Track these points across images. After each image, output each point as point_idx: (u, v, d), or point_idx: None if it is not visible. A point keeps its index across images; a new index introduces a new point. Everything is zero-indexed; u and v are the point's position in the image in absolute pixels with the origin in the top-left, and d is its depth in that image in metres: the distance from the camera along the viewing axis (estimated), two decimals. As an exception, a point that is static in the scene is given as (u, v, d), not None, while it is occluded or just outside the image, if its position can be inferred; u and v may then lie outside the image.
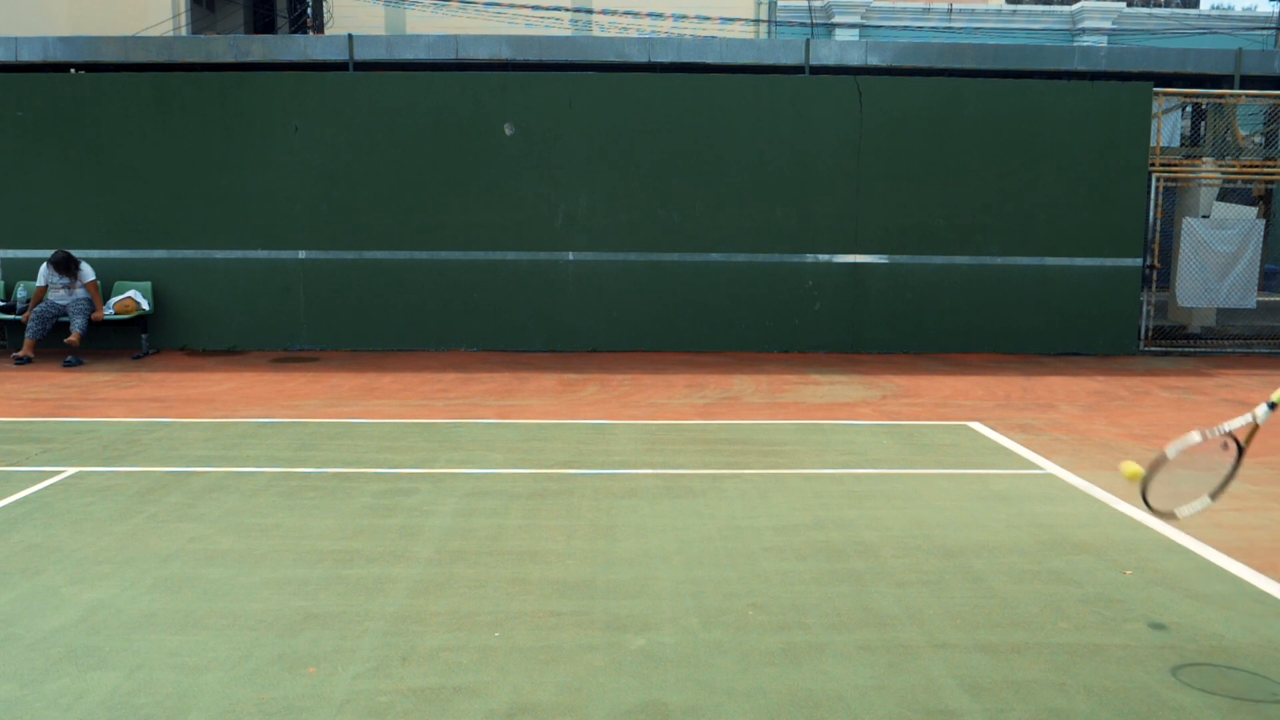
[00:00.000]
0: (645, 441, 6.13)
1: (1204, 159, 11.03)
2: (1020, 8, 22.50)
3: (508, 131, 9.99)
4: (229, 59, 10.67)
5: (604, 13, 22.44)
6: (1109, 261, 10.28)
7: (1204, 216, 10.94)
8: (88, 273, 9.50)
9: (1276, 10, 22.70)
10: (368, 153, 10.03)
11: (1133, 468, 3.10)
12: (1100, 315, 10.34)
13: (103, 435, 6.18)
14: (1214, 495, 3.17)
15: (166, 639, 3.18)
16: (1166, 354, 10.56)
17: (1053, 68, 11.00)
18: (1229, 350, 10.78)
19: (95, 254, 9.97)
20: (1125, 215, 10.24)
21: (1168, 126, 12.68)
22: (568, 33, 21.96)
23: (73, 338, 9.22)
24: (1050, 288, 10.31)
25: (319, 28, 23.24)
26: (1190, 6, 24.76)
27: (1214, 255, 10.38)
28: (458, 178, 10.05)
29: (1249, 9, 29.35)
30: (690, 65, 10.87)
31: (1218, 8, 26.19)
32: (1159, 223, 10.54)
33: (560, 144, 10.04)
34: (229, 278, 10.17)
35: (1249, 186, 11.98)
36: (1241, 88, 10.90)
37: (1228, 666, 3.04)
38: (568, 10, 22.43)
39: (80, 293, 9.47)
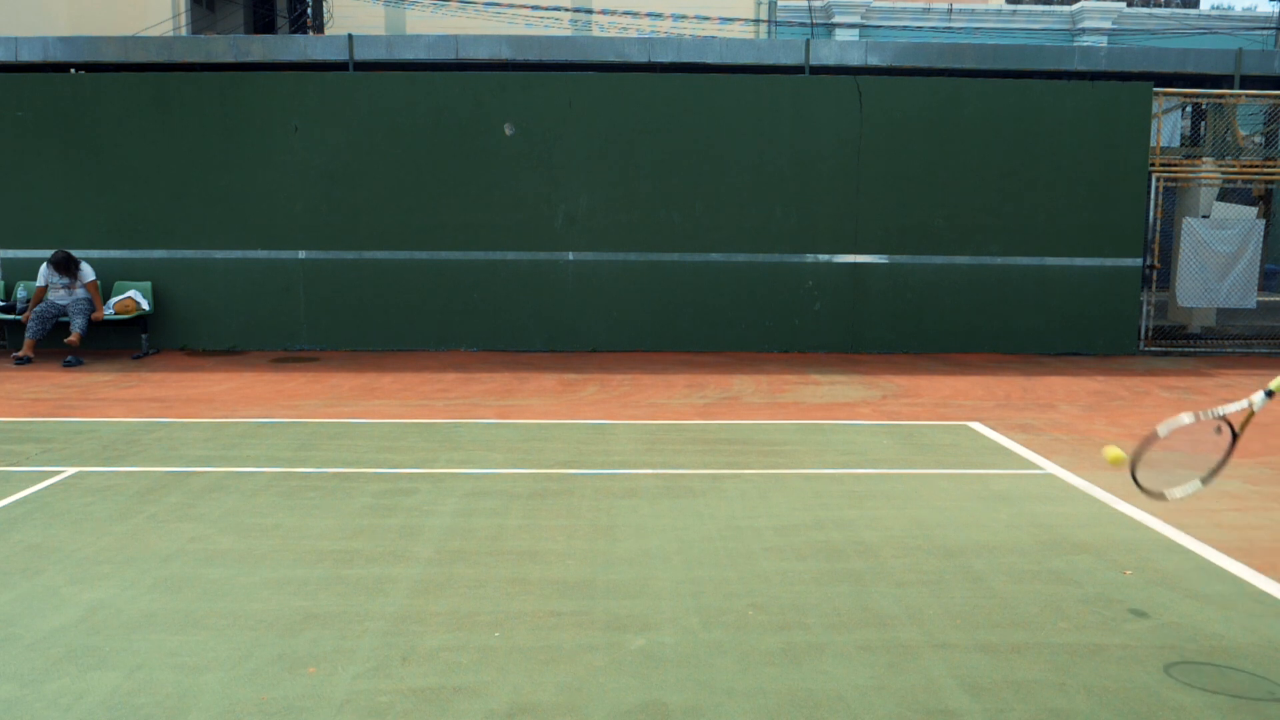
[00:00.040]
0: (645, 441, 6.13)
1: (1204, 159, 11.03)
2: (1020, 8, 22.51)
3: (508, 131, 9.99)
4: (229, 59, 10.68)
5: (604, 13, 22.44)
6: (1109, 261, 10.28)
7: (1204, 216, 10.94)
8: (88, 273, 9.50)
9: (1276, 10, 22.70)
10: (368, 153, 10.03)
11: (1115, 452, 3.19)
12: (1100, 315, 10.34)
13: (103, 435, 6.18)
14: (1205, 480, 3.18)
15: (166, 639, 3.18)
16: (1166, 354, 10.56)
17: (1053, 68, 11.00)
18: (1229, 350, 10.78)
19: (95, 254, 9.97)
20: (1125, 215, 10.24)
21: (1168, 126, 12.68)
22: (568, 33, 21.96)
23: (73, 338, 9.22)
24: (1050, 288, 10.31)
25: (319, 28, 23.24)
26: (1190, 6, 24.77)
27: (1214, 255, 10.38)
28: (458, 178, 10.05)
29: (1249, 9, 29.35)
30: (690, 65, 10.87)
31: (1218, 8, 26.20)
32: (1159, 223, 10.54)
33: (560, 144, 10.04)
34: (229, 278, 10.17)
35: (1249, 186, 11.98)
36: (1241, 88, 10.90)
37: (1228, 666, 3.04)
38: (568, 10, 22.43)
39: (80, 293, 9.47)
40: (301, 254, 10.15)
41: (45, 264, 9.39)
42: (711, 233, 10.15)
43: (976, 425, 6.73)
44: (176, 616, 3.36)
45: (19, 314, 9.63)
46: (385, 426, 6.54)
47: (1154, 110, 10.23)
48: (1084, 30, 21.98)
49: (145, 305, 9.86)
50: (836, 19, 21.91)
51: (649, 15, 22.17)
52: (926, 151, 10.09)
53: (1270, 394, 3.06)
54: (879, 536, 4.27)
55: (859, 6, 21.82)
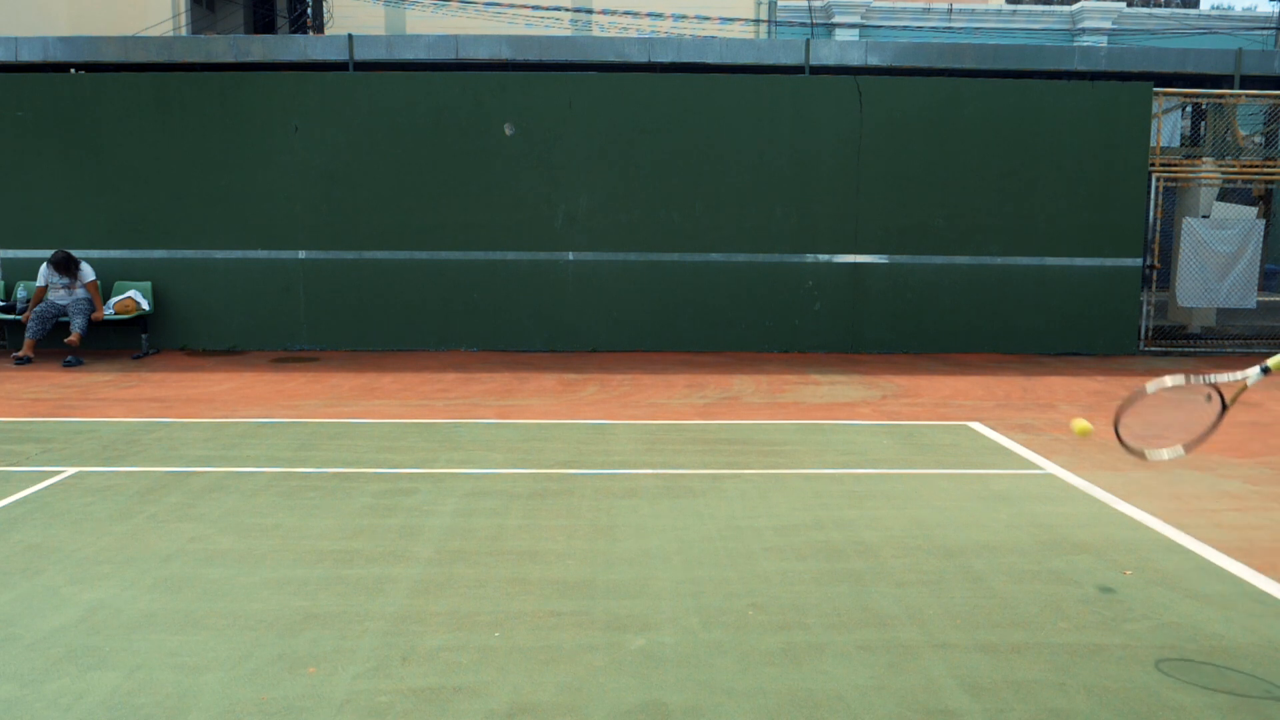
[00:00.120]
0: (645, 441, 6.13)
1: (1204, 159, 11.03)
2: (1020, 8, 22.51)
3: (508, 131, 9.99)
4: (229, 59, 10.68)
5: (604, 13, 22.44)
6: (1109, 261, 10.28)
7: (1204, 216, 10.94)
8: (88, 273, 9.51)
9: (1276, 10, 22.70)
10: (368, 153, 10.03)
11: (1082, 424, 3.28)
12: (1100, 315, 10.34)
13: (103, 435, 6.18)
14: (1188, 447, 3.18)
15: (166, 639, 3.18)
16: (1166, 354, 10.56)
17: (1053, 68, 11.01)
18: (1229, 350, 10.77)
19: (95, 254, 9.97)
20: (1125, 215, 10.24)
21: (1168, 126, 12.68)
22: (568, 33, 21.96)
23: (73, 338, 9.22)
24: (1050, 288, 10.31)
25: (319, 28, 23.24)
26: (1190, 6, 24.77)
27: (1214, 255, 10.38)
28: (458, 178, 10.05)
29: (1249, 9, 29.35)
30: (690, 65, 10.87)
31: (1218, 8, 26.20)
32: (1159, 223, 10.54)
33: (560, 144, 10.04)
34: (229, 278, 10.17)
35: (1249, 186, 11.98)
36: (1241, 88, 10.90)
37: (1228, 666, 3.04)
38: (568, 10, 22.43)
39: (80, 293, 9.47)
40: (301, 254, 10.15)
41: (45, 264, 9.39)
42: (711, 233, 10.15)
43: (976, 425, 6.73)
44: (176, 616, 3.36)
45: (19, 314, 9.64)
46: (385, 426, 6.54)
47: (1154, 110, 10.23)
48: (1084, 30, 21.98)
49: (145, 305, 9.86)
50: (836, 19, 21.91)
51: (649, 15, 22.17)
52: (926, 151, 10.09)
53: (1266, 370, 3.05)
54: (879, 536, 4.27)
55: (859, 6, 21.82)
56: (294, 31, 23.49)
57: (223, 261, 10.15)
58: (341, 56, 10.67)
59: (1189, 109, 13.29)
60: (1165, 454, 3.13)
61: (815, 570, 3.86)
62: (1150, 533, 4.37)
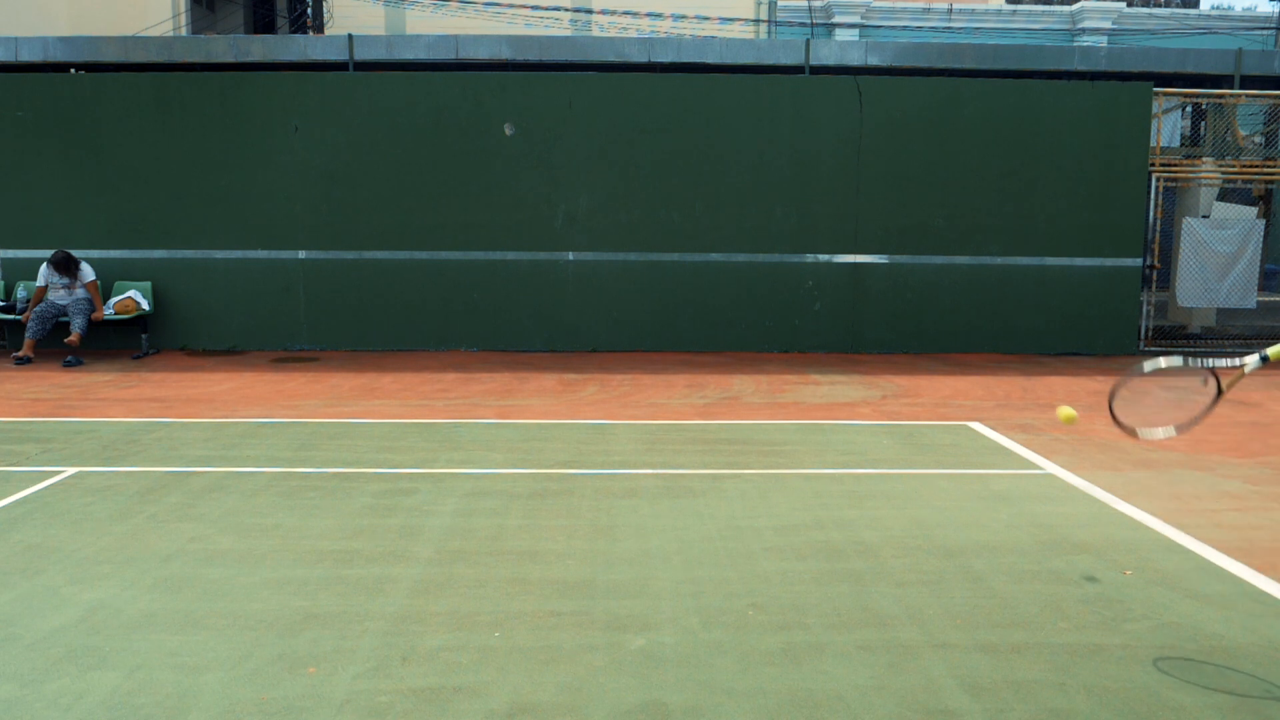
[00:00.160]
0: (645, 441, 6.13)
1: (1204, 159, 11.03)
2: (1020, 8, 22.51)
3: (508, 131, 9.99)
4: (229, 59, 10.68)
5: (604, 13, 22.44)
6: (1109, 261, 10.28)
7: (1204, 216, 10.94)
8: (88, 273, 9.51)
9: (1276, 10, 22.70)
10: (368, 153, 10.03)
11: (1067, 411, 3.39)
12: (1100, 315, 10.34)
13: (103, 435, 6.18)
14: (1180, 428, 3.20)
15: (166, 639, 3.18)
16: (1167, 354, 10.56)
17: (1053, 68, 11.01)
18: (1229, 350, 10.77)
19: (95, 254, 9.97)
20: (1125, 215, 10.24)
21: (1168, 126, 12.68)
22: (567, 33, 21.96)
23: (73, 338, 9.22)
24: (1050, 288, 10.31)
25: (319, 28, 23.24)
26: (1190, 6, 24.77)
27: (1214, 255, 10.38)
28: (458, 178, 10.05)
29: (1249, 9, 29.35)
30: (690, 65, 10.88)
31: (1218, 8, 26.20)
32: (1159, 223, 10.54)
33: (560, 144, 10.04)
34: (229, 278, 10.17)
35: (1249, 186, 11.97)
36: (1241, 88, 10.90)
37: (1228, 666, 3.04)
38: (567, 10, 22.43)
39: (80, 293, 9.47)
40: (301, 254, 10.15)
41: (45, 264, 9.39)
42: (711, 233, 10.15)
43: (976, 425, 6.73)
44: (176, 616, 3.36)
45: (19, 314, 9.64)
46: (385, 426, 6.54)
47: (1154, 110, 10.23)
48: (1084, 30, 21.98)
49: (145, 305, 9.86)
50: (836, 19, 21.91)
51: (649, 15, 22.17)
52: (926, 151, 10.09)
53: (1265, 359, 3.05)
54: (879, 536, 4.27)
55: (859, 6, 21.82)
56: (294, 31, 23.50)
57: (223, 261, 10.15)
58: (341, 56, 10.68)
59: (1189, 109, 13.29)
60: (1159, 433, 3.16)
61: (815, 570, 3.86)
62: (1150, 533, 4.38)
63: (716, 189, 10.11)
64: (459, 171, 10.04)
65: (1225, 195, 12.24)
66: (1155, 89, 10.16)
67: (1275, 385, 8.54)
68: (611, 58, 10.84)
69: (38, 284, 9.43)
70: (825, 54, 10.84)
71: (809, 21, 21.71)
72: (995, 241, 10.23)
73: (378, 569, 3.83)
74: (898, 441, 6.20)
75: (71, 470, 5.30)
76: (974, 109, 10.07)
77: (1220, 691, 2.87)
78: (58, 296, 9.45)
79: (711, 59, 10.87)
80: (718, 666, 3.01)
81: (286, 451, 5.79)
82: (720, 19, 22.06)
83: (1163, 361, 3.10)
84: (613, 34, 20.63)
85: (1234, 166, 10.85)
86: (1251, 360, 3.08)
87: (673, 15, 22.00)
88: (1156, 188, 10.41)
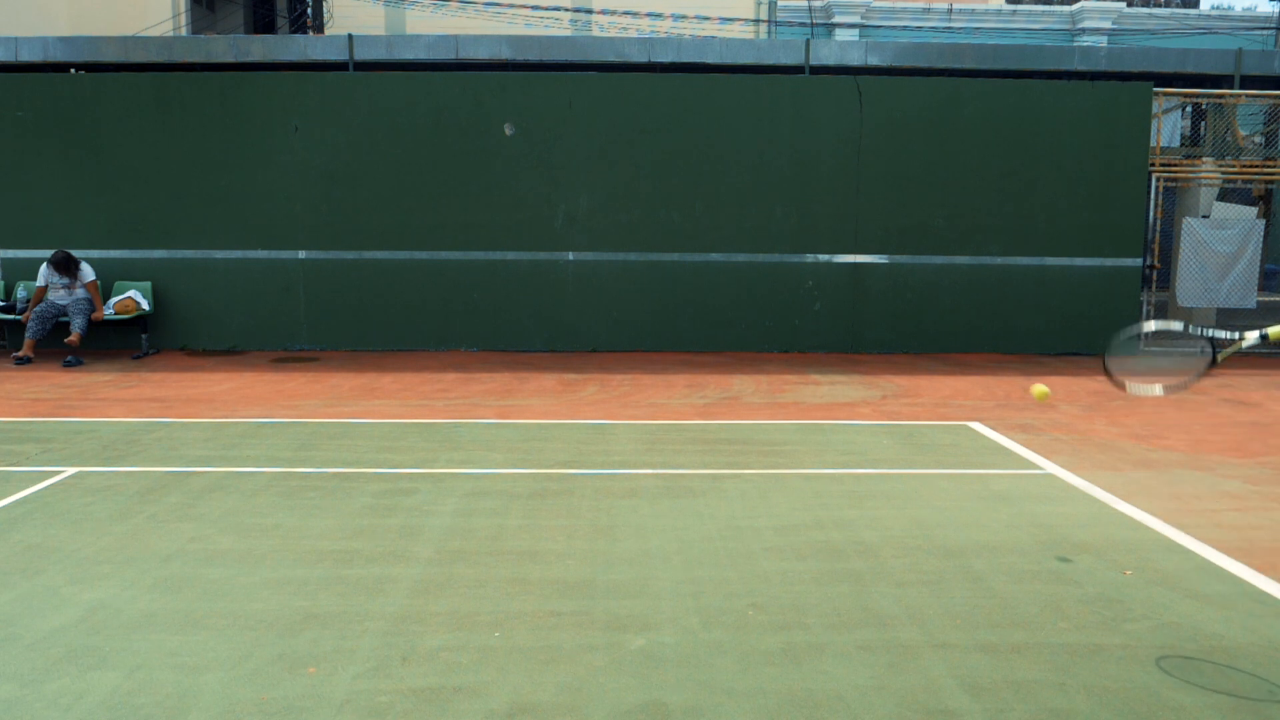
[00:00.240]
0: (645, 441, 6.13)
1: (1204, 159, 11.03)
2: (1020, 8, 22.51)
3: (508, 131, 9.99)
4: (229, 59, 10.67)
5: (604, 13, 22.44)
6: (1109, 261, 10.28)
7: (1204, 216, 10.94)
8: (88, 273, 9.51)
9: (1276, 10, 22.70)
10: (368, 153, 10.03)
11: (1040, 388, 3.60)
12: (1100, 315, 10.34)
13: (103, 435, 6.18)
14: (1167, 389, 3.27)
15: (166, 639, 3.18)
16: (1167, 354, 10.55)
17: (1053, 68, 11.00)
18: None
19: (95, 254, 9.97)
20: (1125, 215, 10.24)
21: (1168, 126, 12.68)
22: (568, 33, 21.96)
23: (73, 338, 9.22)
24: (1050, 288, 10.31)
25: (319, 28, 23.24)
26: (1190, 6, 24.76)
27: (1214, 255, 10.38)
28: (458, 178, 10.05)
29: (1249, 9, 29.35)
30: (690, 65, 10.87)
31: (1218, 8, 26.19)
32: (1159, 223, 10.54)
33: (560, 144, 10.04)
34: (229, 278, 10.17)
35: (1249, 186, 11.97)
36: (1241, 88, 10.90)
37: (1228, 666, 3.04)
38: (567, 10, 22.43)
39: (80, 293, 9.47)
40: (301, 254, 10.15)
41: (45, 264, 9.39)
42: (711, 233, 10.15)
43: (976, 425, 6.73)
44: (176, 616, 3.36)
45: (19, 314, 9.64)
46: (385, 426, 6.54)
47: (1154, 110, 10.23)
48: (1084, 30, 21.98)
49: (145, 305, 9.86)
50: (836, 19, 21.91)
51: (649, 15, 22.17)
52: (926, 151, 10.09)
53: (1265, 337, 3.05)
54: (879, 536, 4.27)
55: (859, 6, 21.82)
56: (294, 31, 23.50)
57: (223, 261, 10.15)
58: (341, 56, 10.67)
59: (1189, 109, 13.29)
60: (1146, 390, 3.22)
61: (815, 570, 3.86)
62: (1150, 533, 4.38)
63: (716, 189, 10.11)
64: (459, 171, 10.04)
65: (1225, 195, 12.24)
66: (1155, 89, 10.16)
67: (1275, 385, 8.54)
68: (611, 58, 10.83)
69: (38, 284, 9.43)
70: (825, 54, 10.83)
71: (809, 21, 21.71)
72: (995, 241, 10.23)
73: (378, 569, 3.83)
74: (898, 441, 6.20)
75: (71, 470, 5.30)
76: (974, 109, 10.07)
77: (1220, 691, 2.87)
78: (58, 296, 9.45)
79: (711, 59, 10.86)
80: (718, 666, 3.01)
81: (286, 451, 5.79)
82: (720, 19, 22.06)
83: (1153, 324, 3.15)
84: (613, 34, 20.63)
85: (1234, 166, 10.85)
86: (1251, 336, 3.09)
87: (673, 15, 22.00)
88: (1156, 188, 10.41)
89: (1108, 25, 21.96)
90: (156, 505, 4.67)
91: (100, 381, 8.36)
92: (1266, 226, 10.84)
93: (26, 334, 9.32)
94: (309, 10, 23.70)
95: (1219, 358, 3.13)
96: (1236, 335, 3.11)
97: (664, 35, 21.71)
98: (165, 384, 8.22)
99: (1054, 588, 3.69)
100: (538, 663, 3.03)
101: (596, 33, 22.30)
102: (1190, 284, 10.44)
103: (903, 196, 10.14)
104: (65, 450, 5.77)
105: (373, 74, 10.12)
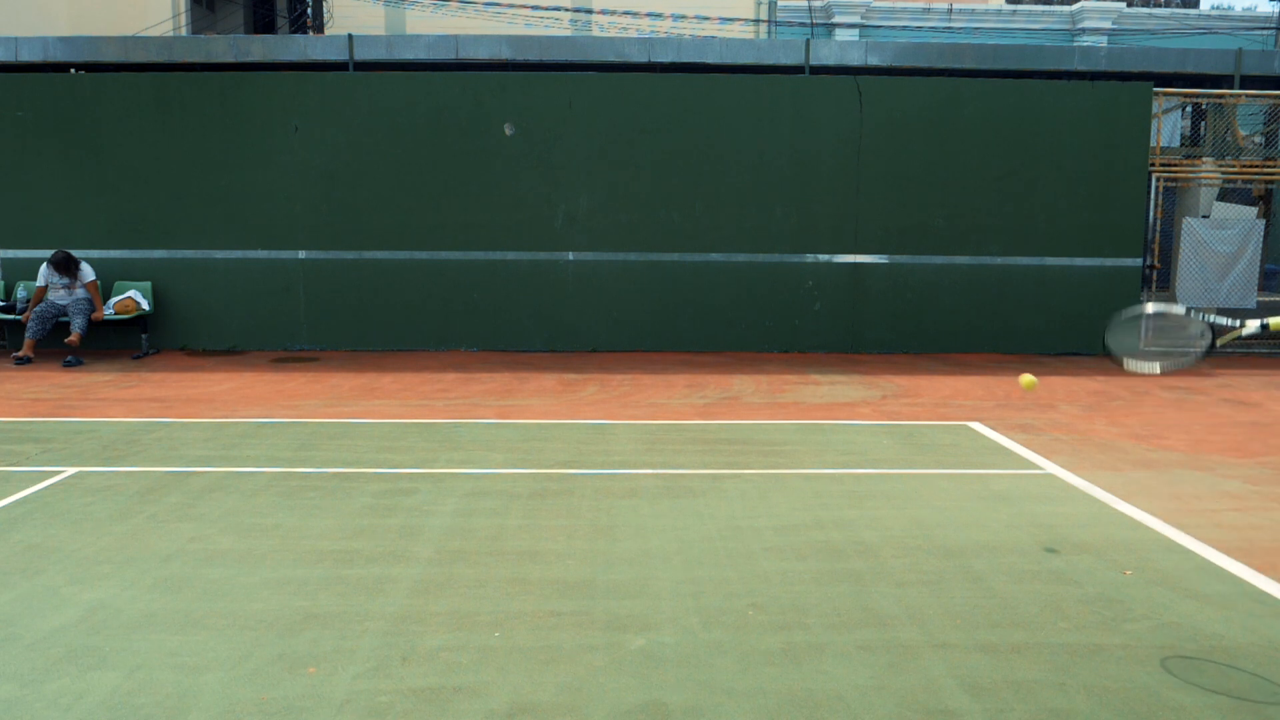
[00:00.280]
0: (645, 441, 6.13)
1: (1204, 159, 11.03)
2: (1020, 8, 22.50)
3: (508, 131, 9.99)
4: (229, 59, 10.67)
5: (604, 13, 22.44)
6: (1109, 261, 10.28)
7: (1204, 216, 10.93)
8: (88, 273, 9.50)
9: (1276, 10, 22.70)
10: (368, 153, 10.03)
11: (1028, 378, 3.76)
12: (1100, 315, 10.32)
13: (103, 435, 6.18)
14: (1164, 369, 3.34)
15: (166, 639, 3.18)
16: (1167, 354, 10.54)
17: (1053, 68, 11.00)
18: (1229, 350, 10.78)
19: (95, 254, 9.97)
20: (1125, 215, 10.25)
21: (1168, 126, 12.68)
22: (567, 33, 21.96)
23: (73, 338, 9.22)
24: (1050, 288, 10.31)
25: (319, 28, 23.24)
26: (1190, 6, 24.76)
27: (1214, 255, 10.38)
28: (458, 178, 10.05)
29: (1249, 9, 29.35)
30: (690, 65, 10.87)
31: (1218, 8, 26.19)
32: (1159, 223, 10.53)
33: (560, 144, 10.04)
34: (229, 278, 10.17)
35: (1249, 186, 11.97)
36: (1241, 88, 10.90)
37: (1228, 666, 3.04)
38: (567, 10, 22.43)
39: (80, 293, 9.47)
40: (301, 254, 10.15)
41: (45, 264, 9.39)
42: (711, 233, 10.15)
43: (976, 425, 6.73)
44: (176, 616, 3.36)
45: (19, 314, 9.64)
46: (385, 426, 6.54)
47: (1154, 110, 10.22)
48: (1084, 30, 21.98)
49: (145, 305, 9.86)
50: (836, 19, 21.91)
51: (649, 15, 22.17)
52: (926, 151, 10.09)
53: (1265, 327, 3.08)
54: (879, 536, 4.27)
55: (859, 6, 21.81)
56: (294, 31, 23.50)
57: (223, 261, 10.15)
58: (341, 56, 10.67)
59: (1189, 109, 13.28)
60: (1134, 365, 3.29)
61: (815, 570, 3.86)
62: (1150, 533, 4.38)
63: (716, 189, 10.11)
64: (459, 171, 10.04)
65: (1225, 195, 12.23)
66: (1155, 89, 10.16)
67: (1275, 385, 8.54)
68: (611, 58, 10.83)
69: (38, 284, 9.43)
70: (825, 54, 10.83)
71: (809, 21, 21.71)
72: (995, 241, 10.23)
73: (378, 569, 3.83)
74: (898, 441, 6.20)
75: (71, 470, 5.30)
76: (974, 109, 10.07)
77: (1220, 692, 2.87)
78: (58, 296, 9.45)
79: (711, 59, 10.86)
80: (718, 666, 3.01)
81: (286, 451, 5.79)
82: (720, 19, 22.06)
83: (1176, 308, 3.20)
84: (613, 34, 20.62)
85: (1234, 166, 10.85)
86: (1252, 325, 3.11)
87: (673, 15, 22.00)
88: (1156, 188, 10.41)
89: (1108, 25, 21.96)
90: (156, 505, 4.67)
91: (100, 381, 8.36)
92: (1266, 226, 10.84)
93: (26, 334, 9.32)
94: (309, 10, 23.70)
95: (1219, 342, 3.16)
96: (1238, 323, 3.13)
97: (664, 35, 21.71)
98: (165, 384, 8.22)
99: (1054, 588, 3.69)
100: (538, 663, 3.03)
101: (596, 33, 22.30)
102: (1190, 284, 10.44)
103: (903, 196, 10.14)
104: (65, 450, 5.77)
105: (373, 74, 10.12)
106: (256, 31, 23.62)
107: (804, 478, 5.27)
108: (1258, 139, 11.12)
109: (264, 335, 10.25)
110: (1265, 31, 22.14)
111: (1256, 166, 10.81)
